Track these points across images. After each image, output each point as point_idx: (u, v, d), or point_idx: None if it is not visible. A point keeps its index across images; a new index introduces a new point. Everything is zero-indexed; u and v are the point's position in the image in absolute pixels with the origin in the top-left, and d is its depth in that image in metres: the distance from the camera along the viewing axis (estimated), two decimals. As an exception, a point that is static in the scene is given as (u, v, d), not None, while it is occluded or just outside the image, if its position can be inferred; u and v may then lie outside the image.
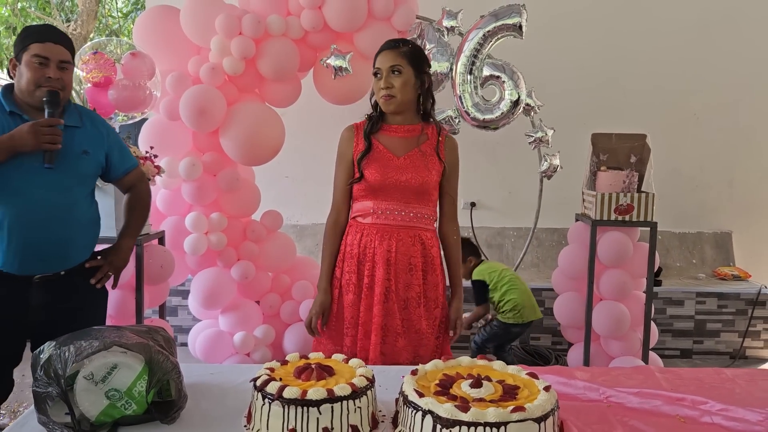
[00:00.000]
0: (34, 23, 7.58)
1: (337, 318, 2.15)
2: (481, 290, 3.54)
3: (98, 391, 1.28)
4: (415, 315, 2.08)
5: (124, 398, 1.30)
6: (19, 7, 7.82)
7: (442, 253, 2.21)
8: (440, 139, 2.12)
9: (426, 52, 3.43)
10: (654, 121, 4.18)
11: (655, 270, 3.18)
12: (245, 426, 1.32)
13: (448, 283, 2.21)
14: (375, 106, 2.15)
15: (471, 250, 3.65)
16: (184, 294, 4.10)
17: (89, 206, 2.10)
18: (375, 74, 2.09)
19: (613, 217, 3.06)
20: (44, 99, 1.90)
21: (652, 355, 3.20)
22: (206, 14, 3.17)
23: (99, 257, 2.14)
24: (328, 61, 3.28)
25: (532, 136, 3.46)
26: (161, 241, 3.15)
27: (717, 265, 4.51)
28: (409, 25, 3.33)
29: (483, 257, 3.80)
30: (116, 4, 8.57)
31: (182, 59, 3.27)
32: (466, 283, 3.45)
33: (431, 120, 2.16)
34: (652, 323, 3.17)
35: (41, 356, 1.29)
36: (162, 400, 1.36)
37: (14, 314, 1.95)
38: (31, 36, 1.92)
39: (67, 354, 1.24)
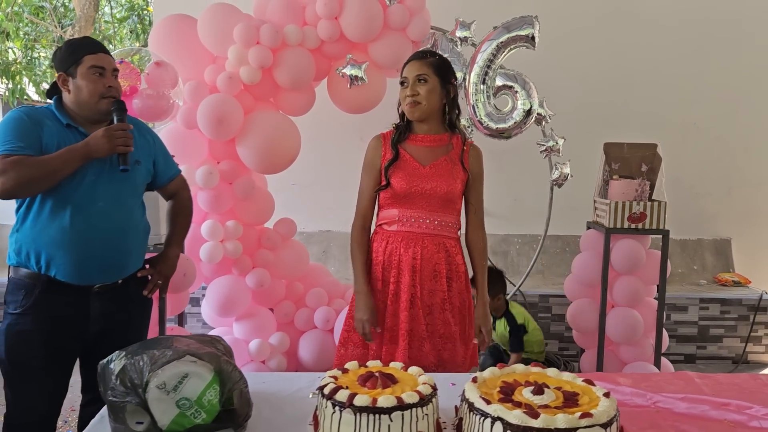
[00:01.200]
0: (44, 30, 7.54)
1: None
2: (519, 334, 3.38)
3: (169, 400, 1.30)
4: (439, 320, 2.12)
5: (194, 407, 1.31)
6: (12, 12, 7.75)
7: (467, 261, 2.25)
8: (465, 148, 2.17)
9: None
10: (656, 130, 4.25)
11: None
12: (313, 433, 1.35)
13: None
14: (402, 116, 2.20)
15: (501, 287, 3.45)
16: (194, 301, 4.10)
17: (142, 215, 2.13)
18: (402, 83, 2.15)
19: (626, 225, 3.12)
20: (112, 108, 1.96)
21: (664, 360, 3.26)
22: (223, 23, 3.19)
23: (147, 266, 2.16)
24: (344, 71, 3.31)
25: (544, 145, 3.52)
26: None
27: (717, 271, 4.60)
28: (423, 35, 3.38)
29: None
30: (110, 9, 8.52)
31: (198, 68, 3.28)
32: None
33: (457, 130, 2.21)
34: (664, 329, 3.24)
35: (111, 366, 1.31)
36: (225, 409, 1.38)
37: (76, 323, 1.96)
38: (81, 48, 1.94)
39: (141, 363, 1.26)
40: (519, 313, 3.43)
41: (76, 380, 2.08)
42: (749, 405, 1.51)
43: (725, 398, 1.55)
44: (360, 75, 3.31)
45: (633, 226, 3.12)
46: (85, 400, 2.09)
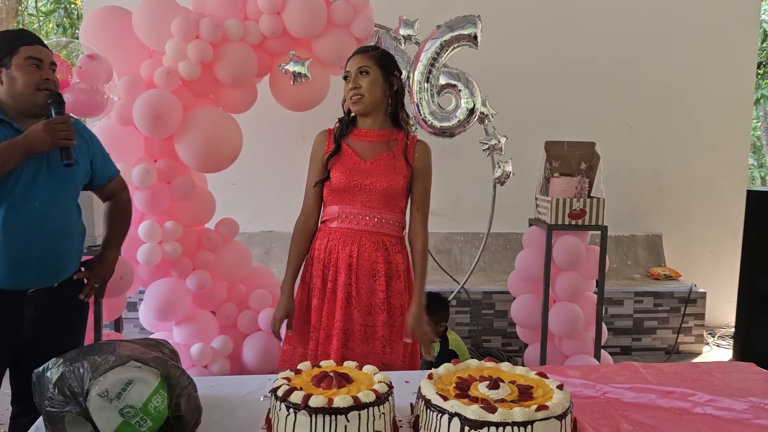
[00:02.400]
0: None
1: (305, 322, 2.16)
2: (446, 359, 3.34)
3: (113, 408, 1.23)
4: (379, 321, 2.09)
5: (139, 414, 1.25)
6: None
7: (409, 263, 2.21)
8: (408, 143, 2.14)
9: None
10: (592, 131, 4.36)
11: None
12: (266, 438, 1.30)
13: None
14: (348, 112, 2.18)
15: (445, 315, 3.46)
16: (131, 306, 3.95)
17: (79, 216, 2.04)
18: (345, 78, 2.14)
19: (567, 222, 3.19)
20: (49, 100, 1.86)
21: (603, 353, 3.36)
22: (161, 16, 3.07)
23: (83, 269, 2.05)
24: (287, 67, 3.25)
25: (487, 144, 3.56)
26: (117, 252, 3.02)
27: (650, 265, 4.78)
28: (367, 32, 3.36)
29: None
30: (35, 1, 8.11)
31: (134, 63, 3.15)
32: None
33: (401, 125, 2.18)
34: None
35: (48, 375, 1.22)
36: (173, 415, 1.32)
37: (7, 330, 1.84)
38: (18, 39, 1.85)
39: (81, 370, 1.19)
40: (454, 340, 3.43)
41: (4, 392, 1.95)
42: (693, 392, 1.56)
43: (670, 387, 1.60)
44: (303, 72, 3.25)
45: (573, 222, 3.19)
46: (16, 412, 1.96)
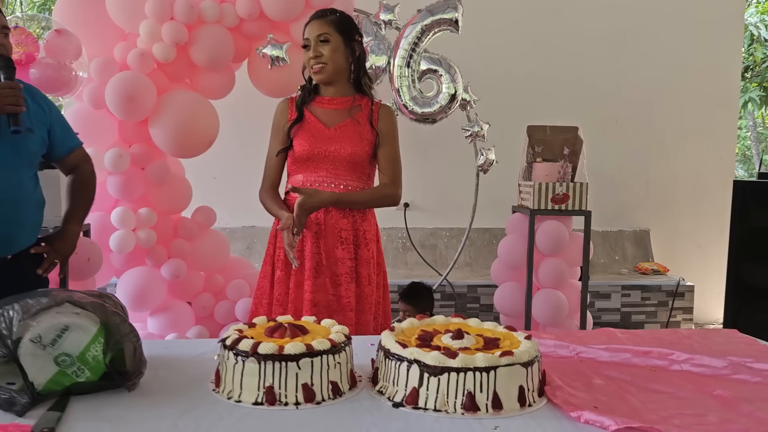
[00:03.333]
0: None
1: (270, 294, 2.07)
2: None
3: (46, 356, 1.14)
4: (347, 292, 2.00)
5: (76, 364, 1.16)
6: None
7: (378, 230, 2.16)
8: (373, 108, 2.08)
9: (364, 45, 3.44)
10: (577, 124, 4.34)
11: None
12: (214, 390, 1.22)
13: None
14: (309, 79, 2.11)
15: (429, 304, 3.27)
16: (106, 299, 3.85)
17: (35, 187, 1.96)
18: (304, 46, 2.05)
19: (549, 207, 3.13)
20: None
21: (588, 341, 3.28)
22: (135, -2, 3.02)
23: (43, 244, 1.97)
24: (264, 51, 3.20)
25: (469, 130, 3.51)
26: (87, 235, 2.94)
27: (637, 260, 4.72)
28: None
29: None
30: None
31: (107, 45, 3.09)
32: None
33: (364, 91, 2.12)
34: (588, 311, 3.26)
35: (-23, 319, 1.14)
36: (116, 370, 1.24)
37: None
38: None
39: (12, 312, 1.10)
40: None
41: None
42: (670, 351, 1.49)
43: (648, 347, 1.52)
44: (281, 55, 3.20)
45: (556, 207, 3.13)
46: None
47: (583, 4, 4.62)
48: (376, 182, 2.15)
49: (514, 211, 3.43)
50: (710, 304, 4.66)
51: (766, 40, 9.36)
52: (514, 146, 3.52)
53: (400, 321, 1.44)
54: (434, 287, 3.76)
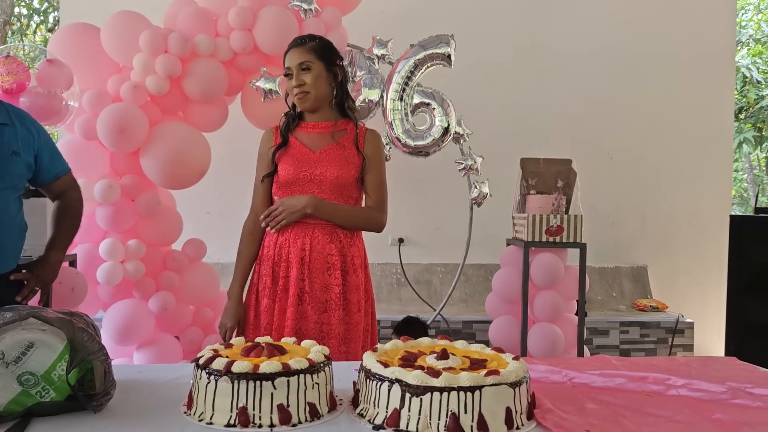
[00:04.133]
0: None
1: (255, 325, 2.03)
2: None
3: (9, 374, 1.09)
4: (334, 318, 1.95)
5: (40, 383, 1.11)
6: None
7: (366, 257, 2.12)
8: (358, 132, 2.07)
9: (357, 79, 3.46)
10: (573, 161, 4.34)
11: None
12: (185, 412, 1.16)
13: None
14: (293, 106, 2.10)
15: (420, 330, 3.35)
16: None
17: (18, 211, 1.94)
18: (287, 74, 2.05)
19: (544, 239, 3.09)
20: None
21: (586, 378, 3.19)
22: (129, 31, 3.04)
23: (24, 271, 1.93)
24: (257, 84, 3.21)
25: (463, 164, 3.50)
26: (73, 265, 2.89)
27: (635, 297, 4.65)
28: (340, 50, 3.33)
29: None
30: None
31: (101, 78, 3.10)
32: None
33: (349, 114, 2.10)
34: (585, 347, 3.19)
35: (-62, 335, 1.09)
36: (81, 391, 1.18)
37: None
38: None
39: (-27, 327, 1.05)
40: None
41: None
42: (667, 377, 1.43)
43: (643, 373, 1.47)
44: (274, 88, 3.21)
45: (551, 239, 3.09)
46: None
47: (577, 41, 4.67)
48: None
49: (508, 244, 3.38)
50: (711, 341, 4.57)
51: (758, 82, 9.48)
52: (508, 180, 3.51)
53: None
54: (429, 322, 3.70)
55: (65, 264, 2.79)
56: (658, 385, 1.39)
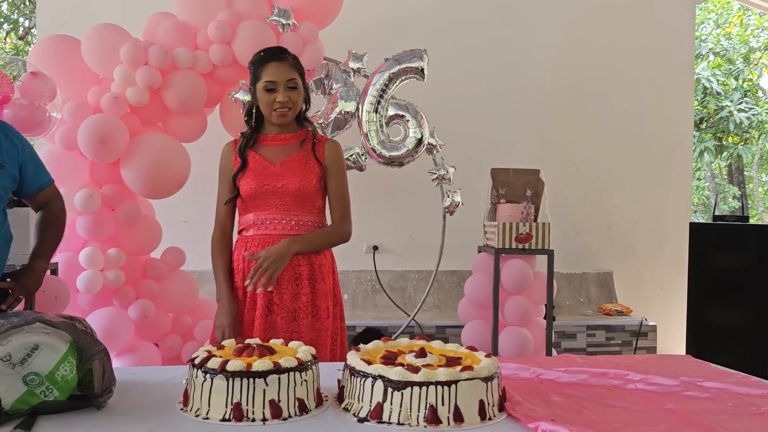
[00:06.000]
0: None
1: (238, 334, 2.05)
2: None
3: (15, 375, 1.16)
4: (304, 326, 2.01)
5: (45, 383, 1.18)
6: None
7: (335, 262, 2.18)
8: (316, 141, 2.11)
9: (334, 92, 3.56)
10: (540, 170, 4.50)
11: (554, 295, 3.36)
12: (181, 409, 1.24)
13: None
14: (248, 120, 2.11)
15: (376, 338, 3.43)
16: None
17: (2, 222, 1.97)
18: (268, 89, 2.01)
19: (514, 246, 3.22)
20: None
21: (555, 379, 3.32)
22: (110, 44, 3.10)
23: (8, 279, 1.97)
24: (236, 96, 3.29)
25: (435, 174, 3.61)
26: (54, 273, 2.93)
27: (601, 302, 4.82)
28: (316, 64, 3.43)
29: None
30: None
31: (81, 89, 3.15)
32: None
33: (306, 124, 2.15)
34: (553, 349, 3.32)
35: (-53, 339, 1.15)
36: (84, 393, 1.25)
37: None
38: None
39: (-18, 330, 1.12)
40: None
41: None
42: (626, 373, 1.56)
43: (604, 368, 1.59)
44: (252, 100, 3.29)
45: (520, 246, 3.22)
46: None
47: (544, 56, 4.84)
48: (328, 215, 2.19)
49: (479, 251, 3.51)
50: (673, 343, 4.76)
51: (718, 93, 9.84)
52: (479, 189, 3.64)
53: None
54: (403, 328, 3.80)
55: (48, 272, 2.82)
56: (617, 380, 1.51)
